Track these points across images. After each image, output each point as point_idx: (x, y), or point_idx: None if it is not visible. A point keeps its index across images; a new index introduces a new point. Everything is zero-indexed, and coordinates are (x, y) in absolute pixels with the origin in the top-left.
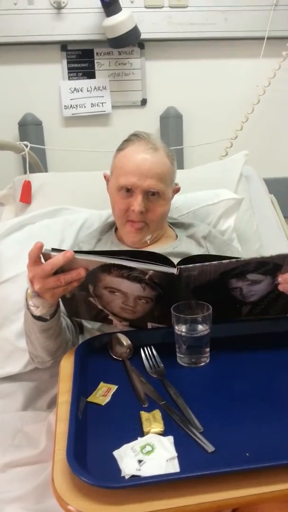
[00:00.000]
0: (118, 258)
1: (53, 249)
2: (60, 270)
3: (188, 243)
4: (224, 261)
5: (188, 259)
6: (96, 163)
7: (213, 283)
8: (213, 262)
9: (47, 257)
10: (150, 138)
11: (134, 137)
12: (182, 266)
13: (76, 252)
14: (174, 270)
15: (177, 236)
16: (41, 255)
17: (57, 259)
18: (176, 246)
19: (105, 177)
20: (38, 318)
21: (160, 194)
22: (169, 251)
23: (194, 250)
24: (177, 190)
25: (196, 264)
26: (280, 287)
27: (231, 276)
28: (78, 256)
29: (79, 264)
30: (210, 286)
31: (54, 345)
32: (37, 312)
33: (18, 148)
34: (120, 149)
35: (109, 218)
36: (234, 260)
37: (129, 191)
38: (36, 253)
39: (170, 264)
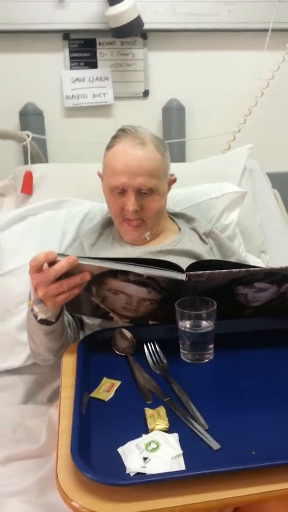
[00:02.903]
0: (124, 264)
1: (58, 254)
2: (64, 276)
3: (192, 237)
4: (234, 270)
5: (197, 263)
6: (98, 154)
7: (220, 288)
8: (222, 270)
9: (52, 262)
10: (137, 132)
11: (121, 133)
12: (191, 273)
13: (80, 257)
14: (183, 277)
15: (179, 229)
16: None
17: (60, 265)
18: (178, 241)
19: (99, 175)
20: (43, 321)
21: (153, 190)
22: (169, 248)
23: (197, 245)
24: (173, 181)
25: (206, 272)
26: None
27: (238, 283)
28: (83, 262)
29: (84, 269)
30: (215, 290)
31: (57, 345)
32: (42, 316)
33: (20, 137)
34: (108, 147)
35: None
36: (244, 269)
37: (121, 191)
38: (41, 262)
39: (179, 269)
